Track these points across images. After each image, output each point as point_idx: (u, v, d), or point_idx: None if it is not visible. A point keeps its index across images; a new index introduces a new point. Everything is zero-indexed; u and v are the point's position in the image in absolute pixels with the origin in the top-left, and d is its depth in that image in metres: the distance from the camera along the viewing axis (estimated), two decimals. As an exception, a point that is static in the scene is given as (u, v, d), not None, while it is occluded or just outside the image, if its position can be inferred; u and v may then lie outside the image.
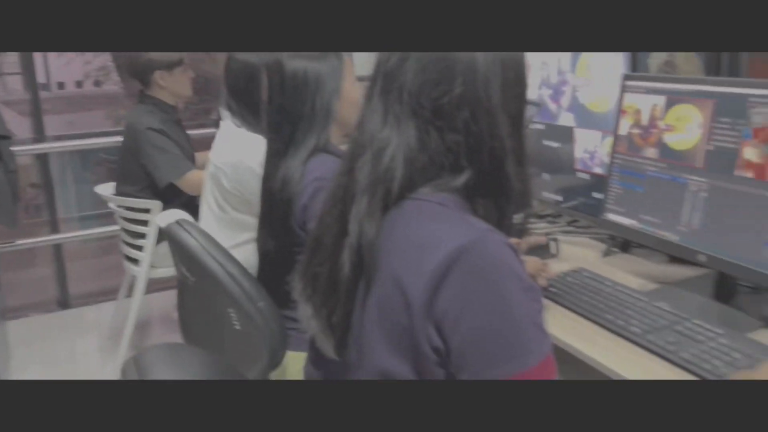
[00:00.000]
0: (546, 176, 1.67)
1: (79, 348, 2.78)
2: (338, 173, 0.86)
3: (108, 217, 3.22)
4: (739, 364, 0.89)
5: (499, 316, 0.71)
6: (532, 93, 1.67)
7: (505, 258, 0.73)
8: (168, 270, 2.50)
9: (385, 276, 0.77)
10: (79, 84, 5.78)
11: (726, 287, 1.14)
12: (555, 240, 1.43)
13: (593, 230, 1.53)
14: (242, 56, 1.86)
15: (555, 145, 1.62)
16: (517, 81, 0.81)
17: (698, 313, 1.05)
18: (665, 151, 1.20)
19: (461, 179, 0.78)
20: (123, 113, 4.01)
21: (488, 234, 0.74)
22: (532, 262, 1.03)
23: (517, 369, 0.71)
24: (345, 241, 0.80)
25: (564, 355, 1.05)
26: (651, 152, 1.23)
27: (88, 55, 5.27)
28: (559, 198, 1.62)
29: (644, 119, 1.25)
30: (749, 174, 1.05)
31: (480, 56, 0.78)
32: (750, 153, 1.05)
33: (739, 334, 0.98)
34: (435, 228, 0.75)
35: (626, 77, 1.31)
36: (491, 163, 0.79)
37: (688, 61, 2.31)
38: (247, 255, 1.46)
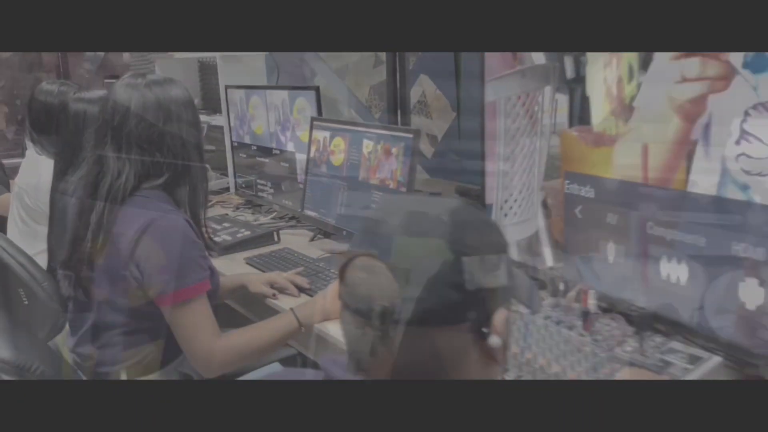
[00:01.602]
0: (284, 188, 2.28)
1: None
2: (83, 195, 1.35)
3: None
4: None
5: (172, 257, 1.28)
6: (271, 127, 2.28)
7: (178, 226, 1.30)
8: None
9: (110, 242, 1.29)
10: None
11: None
12: (277, 231, 2.03)
13: (310, 224, 2.15)
14: (42, 97, 2.27)
15: (286, 165, 2.23)
16: (195, 119, 1.39)
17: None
18: (330, 167, 1.85)
19: (161, 180, 1.34)
20: None
21: (169, 213, 1.31)
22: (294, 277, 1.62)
23: (179, 287, 1.27)
24: (89, 229, 1.31)
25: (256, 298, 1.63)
26: (324, 168, 1.88)
27: None
28: (291, 202, 2.24)
29: (321, 147, 1.89)
30: (364, 179, 1.71)
31: (173, 107, 1.34)
32: (368, 165, 1.71)
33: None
34: (137, 211, 1.30)
35: (313, 119, 1.95)
36: (183, 170, 1.35)
37: (437, 99, 3.11)
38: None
